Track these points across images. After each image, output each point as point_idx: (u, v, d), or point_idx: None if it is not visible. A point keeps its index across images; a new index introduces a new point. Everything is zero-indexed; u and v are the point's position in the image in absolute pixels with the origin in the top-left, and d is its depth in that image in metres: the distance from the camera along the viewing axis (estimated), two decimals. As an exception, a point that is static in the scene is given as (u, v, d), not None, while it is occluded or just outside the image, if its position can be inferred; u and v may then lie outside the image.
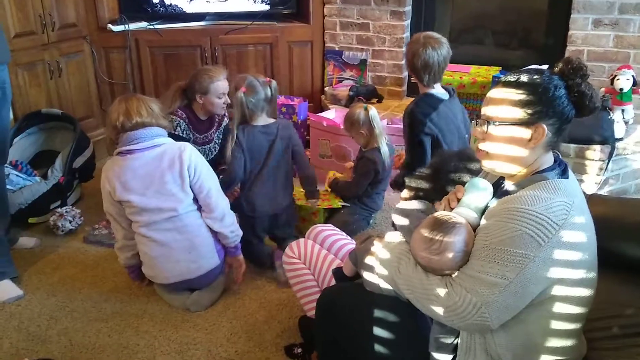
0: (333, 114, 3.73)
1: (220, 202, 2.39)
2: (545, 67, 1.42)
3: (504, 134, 1.37)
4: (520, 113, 1.34)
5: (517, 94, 1.35)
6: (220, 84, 2.93)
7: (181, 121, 2.91)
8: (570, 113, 1.35)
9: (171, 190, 2.30)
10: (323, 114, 3.73)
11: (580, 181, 3.09)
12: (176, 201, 2.31)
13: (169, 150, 2.32)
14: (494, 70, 3.58)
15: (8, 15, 3.17)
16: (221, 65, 3.66)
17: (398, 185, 2.57)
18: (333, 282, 1.92)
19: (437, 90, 2.44)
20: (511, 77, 1.39)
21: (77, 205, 3.27)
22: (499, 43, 3.97)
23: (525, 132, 1.34)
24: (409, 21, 3.94)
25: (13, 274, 2.60)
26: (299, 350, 2.14)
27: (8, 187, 2.84)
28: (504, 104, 1.37)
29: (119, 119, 2.29)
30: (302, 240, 2.18)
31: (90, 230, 3.06)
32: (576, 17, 3.39)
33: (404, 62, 3.96)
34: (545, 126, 1.33)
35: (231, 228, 2.41)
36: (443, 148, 2.36)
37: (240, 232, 2.48)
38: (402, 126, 2.57)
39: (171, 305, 2.46)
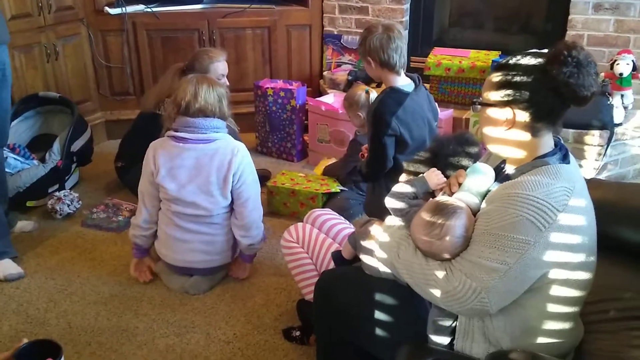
0: (332, 99, 3.72)
1: (254, 213, 2.39)
2: (545, 51, 1.41)
3: (487, 116, 1.39)
4: (495, 95, 1.35)
5: (496, 76, 1.36)
6: (220, 64, 2.93)
7: None
8: (549, 101, 1.31)
9: (212, 191, 2.30)
10: (322, 99, 3.71)
11: (579, 166, 3.09)
12: (214, 202, 2.32)
13: (222, 150, 2.30)
14: (494, 55, 3.56)
15: (4, -3, 3.14)
16: (220, 47, 3.64)
17: (362, 176, 2.56)
18: (331, 265, 1.93)
19: (403, 81, 2.37)
20: (503, 60, 1.39)
21: (75, 189, 3.26)
22: (499, 27, 3.95)
23: (501, 114, 1.35)
24: (408, 5, 3.91)
25: (13, 254, 2.61)
26: (297, 333, 2.15)
27: (6, 170, 2.84)
28: (487, 86, 1.39)
29: (185, 98, 2.26)
30: (300, 224, 2.18)
31: (88, 214, 3.05)
32: (576, 1, 3.37)
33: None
34: (517, 110, 1.32)
35: (251, 241, 2.41)
36: (408, 144, 2.33)
37: (259, 247, 2.49)
38: None
39: (169, 288, 2.46)
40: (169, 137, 2.33)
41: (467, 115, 3.38)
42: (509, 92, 1.33)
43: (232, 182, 2.31)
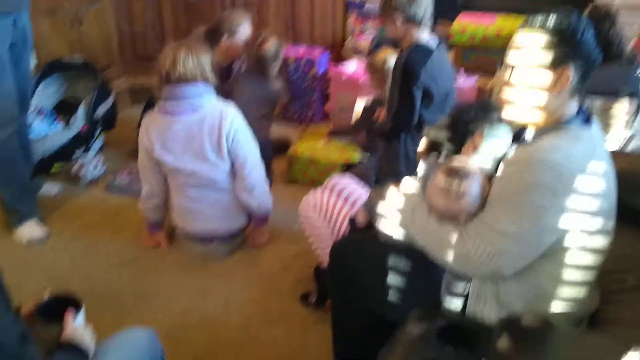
0: (354, 66, 3.67)
1: (254, 173, 2.39)
2: (566, 11, 1.36)
3: (529, 80, 1.32)
4: (546, 56, 1.29)
5: (544, 36, 1.29)
6: (247, 26, 2.93)
7: None
8: (598, 57, 1.29)
9: (209, 157, 2.30)
10: (344, 66, 3.67)
11: (605, 137, 3.02)
12: (213, 168, 2.32)
13: (210, 116, 2.29)
14: (521, 20, 3.46)
15: (28, -39, 3.14)
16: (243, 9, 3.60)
17: (382, 134, 2.54)
18: (352, 213, 1.94)
19: (427, 37, 2.38)
20: (537, 20, 1.32)
21: (100, 154, 3.30)
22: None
23: (551, 76, 1.30)
24: (434, -30, 3.81)
25: (37, 216, 2.66)
26: (314, 298, 2.17)
27: (32, 136, 2.89)
28: (530, 48, 1.31)
29: (164, 68, 2.24)
30: (319, 191, 2.18)
31: (112, 178, 3.09)
32: (609, -35, 3.25)
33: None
34: (571, 69, 1.28)
35: (257, 201, 2.42)
36: (434, 98, 2.35)
37: (269, 207, 2.49)
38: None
39: (190, 253, 2.49)
40: (158, 110, 2.33)
41: (491, 84, 3.31)
42: (564, 50, 1.27)
43: (227, 144, 2.30)
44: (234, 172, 2.40)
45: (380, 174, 2.60)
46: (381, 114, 2.66)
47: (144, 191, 2.46)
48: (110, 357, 1.32)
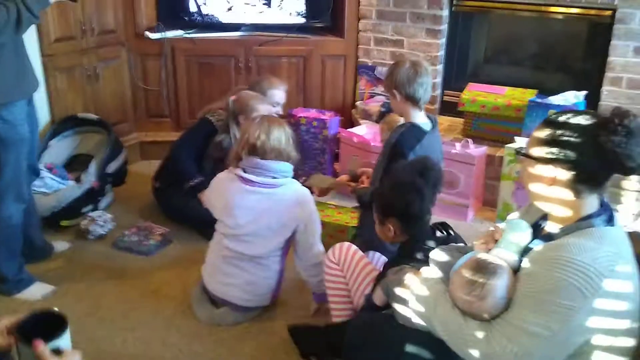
0: (364, 130, 3.72)
1: (320, 254, 2.37)
2: (596, 112, 1.39)
3: (530, 171, 1.38)
4: (539, 151, 1.35)
5: (542, 132, 1.36)
6: (278, 92, 3.12)
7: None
8: (594, 166, 1.30)
9: (268, 236, 2.30)
10: (354, 130, 3.72)
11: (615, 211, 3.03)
12: (269, 247, 2.32)
13: (287, 199, 2.29)
14: (530, 94, 3.52)
15: (50, 19, 3.22)
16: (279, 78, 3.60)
17: (360, 203, 2.51)
18: (367, 290, 1.94)
19: (423, 119, 2.42)
20: (552, 116, 1.38)
21: (109, 210, 3.30)
22: (536, 65, 3.92)
23: (544, 171, 1.34)
24: (444, 39, 3.91)
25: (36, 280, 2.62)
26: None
27: (43, 189, 2.90)
28: (532, 140, 1.39)
29: (259, 138, 2.25)
30: (346, 244, 2.21)
31: (120, 236, 3.08)
32: (616, 43, 3.33)
33: (438, 80, 3.95)
34: (558, 169, 1.31)
35: (321, 276, 2.31)
36: None
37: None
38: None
39: (197, 316, 2.45)
40: (233, 174, 2.33)
41: (501, 153, 3.35)
42: (554, 150, 1.32)
43: (297, 230, 2.31)
44: (284, 252, 2.41)
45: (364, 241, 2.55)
46: (364, 179, 2.65)
47: None
48: None
